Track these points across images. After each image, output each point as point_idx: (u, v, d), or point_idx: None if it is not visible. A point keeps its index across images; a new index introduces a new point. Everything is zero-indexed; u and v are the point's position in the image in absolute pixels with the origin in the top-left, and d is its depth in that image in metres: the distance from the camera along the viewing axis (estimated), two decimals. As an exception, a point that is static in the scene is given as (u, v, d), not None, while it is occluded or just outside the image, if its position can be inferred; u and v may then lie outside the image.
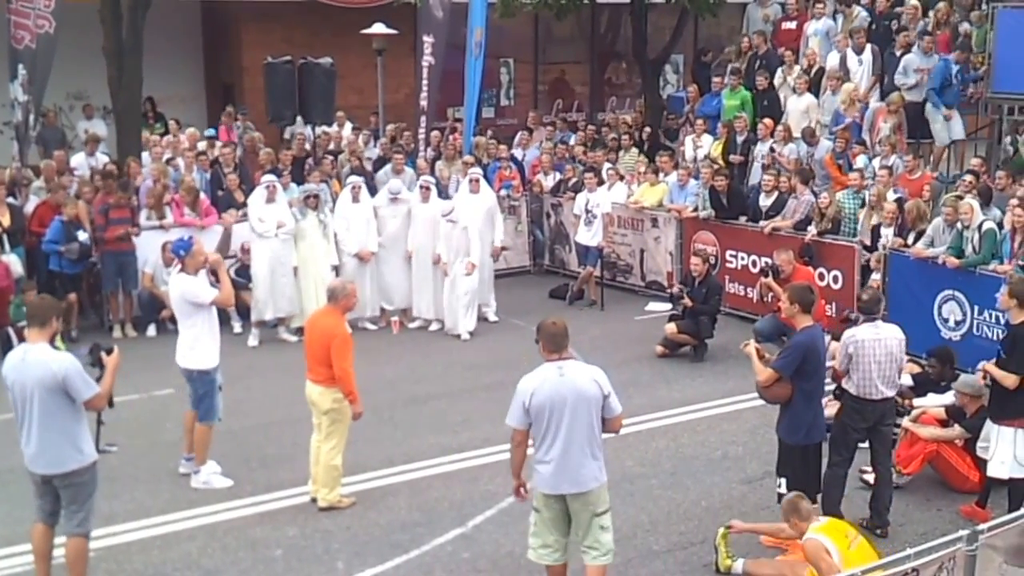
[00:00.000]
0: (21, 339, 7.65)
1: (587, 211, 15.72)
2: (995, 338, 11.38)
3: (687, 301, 13.33)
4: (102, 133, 18.61)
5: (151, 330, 14.28)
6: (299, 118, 18.32)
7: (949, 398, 10.00)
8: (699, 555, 8.38)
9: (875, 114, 16.15)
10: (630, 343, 13.90)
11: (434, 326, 14.65)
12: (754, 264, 14.63)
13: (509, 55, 25.11)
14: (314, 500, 9.27)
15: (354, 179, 14.80)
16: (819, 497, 8.42)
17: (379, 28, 18.26)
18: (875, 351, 8.46)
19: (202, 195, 15.08)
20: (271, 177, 14.20)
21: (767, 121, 16.42)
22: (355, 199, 14.44)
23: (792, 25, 18.60)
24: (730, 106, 17.37)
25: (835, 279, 13.70)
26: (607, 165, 17.01)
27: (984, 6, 17.61)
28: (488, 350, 13.76)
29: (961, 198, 12.63)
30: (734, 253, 15.08)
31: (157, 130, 19.36)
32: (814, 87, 16.99)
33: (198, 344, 9.41)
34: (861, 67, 16.93)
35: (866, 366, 8.46)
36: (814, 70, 17.26)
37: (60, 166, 15.56)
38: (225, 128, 18.80)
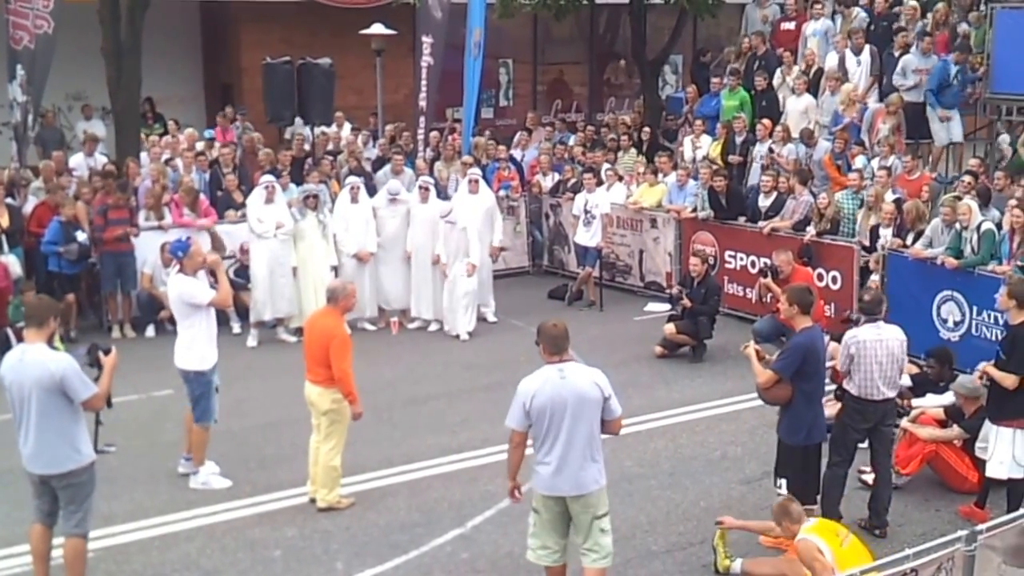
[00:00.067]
0: (20, 340, 7.65)
1: (586, 212, 15.72)
2: (994, 339, 11.39)
3: (686, 302, 13.34)
4: (101, 134, 18.63)
5: (150, 331, 14.28)
6: (298, 118, 18.34)
7: (948, 399, 10.01)
8: (698, 555, 8.38)
9: (874, 115, 16.15)
10: (629, 343, 13.90)
11: (433, 327, 14.65)
12: (753, 265, 14.63)
13: (508, 56, 25.12)
14: (313, 500, 9.27)
15: (353, 180, 14.80)
16: (818, 497, 8.43)
17: (378, 28, 18.26)
18: (877, 352, 8.47)
19: (201, 196, 15.08)
20: (270, 178, 14.20)
21: (766, 122, 16.42)
22: (354, 200, 14.44)
23: (791, 26, 18.60)
24: (729, 107, 17.37)
25: (834, 280, 13.71)
26: (606, 166, 17.01)
27: (983, 7, 17.61)
28: (487, 351, 13.76)
29: (960, 199, 12.63)
30: (733, 254, 15.09)
31: (156, 130, 19.35)
32: (813, 88, 16.99)
33: (195, 345, 9.41)
34: (859, 68, 16.93)
35: (868, 367, 8.47)
36: (813, 71, 17.26)
37: (59, 167, 15.56)
38: (220, 129, 18.77)
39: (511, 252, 17.08)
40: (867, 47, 16.99)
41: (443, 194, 15.65)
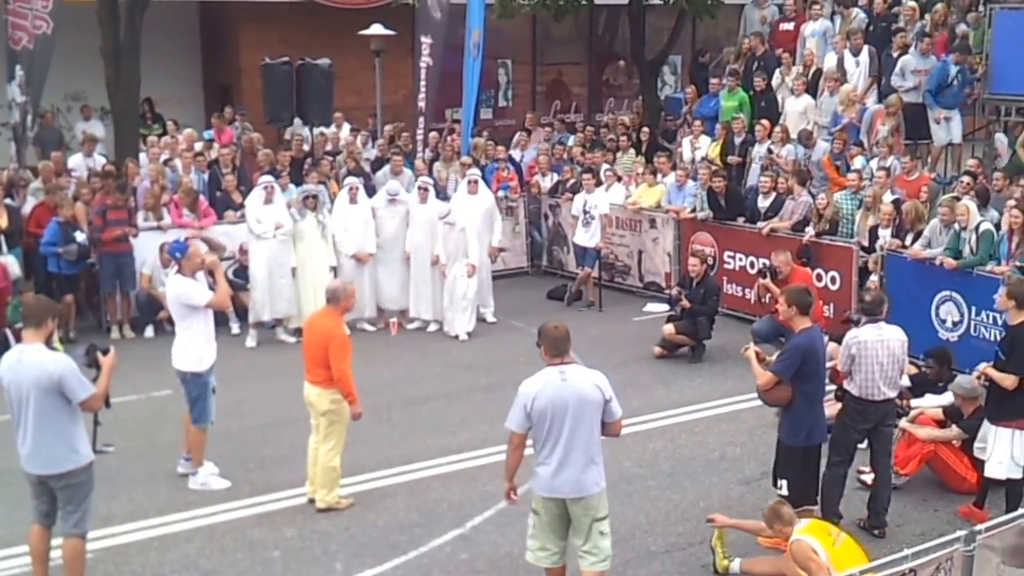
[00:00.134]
0: (19, 340, 7.65)
1: (585, 212, 15.72)
2: (992, 339, 11.39)
3: (685, 303, 13.34)
4: (100, 134, 18.62)
5: (149, 331, 14.27)
6: (297, 119, 18.34)
7: (947, 399, 10.01)
8: (697, 556, 8.38)
9: (874, 116, 16.14)
10: (628, 344, 13.90)
11: (432, 327, 14.65)
12: (752, 265, 14.63)
13: (507, 56, 25.13)
14: (311, 501, 9.27)
15: (351, 180, 14.79)
16: (818, 498, 8.44)
17: (377, 29, 18.27)
18: (878, 352, 8.47)
19: (201, 197, 15.07)
20: (268, 178, 14.19)
21: (764, 122, 16.43)
22: (352, 200, 14.43)
23: (790, 26, 18.60)
24: (728, 107, 17.38)
25: (833, 280, 13.71)
26: (605, 166, 17.01)
27: (981, 7, 17.62)
28: (486, 351, 13.77)
29: (959, 199, 12.63)
30: (732, 254, 15.09)
31: (155, 131, 19.35)
32: (812, 88, 17.00)
33: (193, 346, 9.41)
34: (858, 68, 16.94)
35: (869, 367, 8.47)
36: (811, 71, 17.27)
37: (58, 167, 15.55)
38: (216, 130, 18.73)
39: (510, 253, 17.08)
40: (865, 48, 17.00)
41: (442, 195, 15.65)
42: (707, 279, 13.61)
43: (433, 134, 18.52)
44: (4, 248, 13.52)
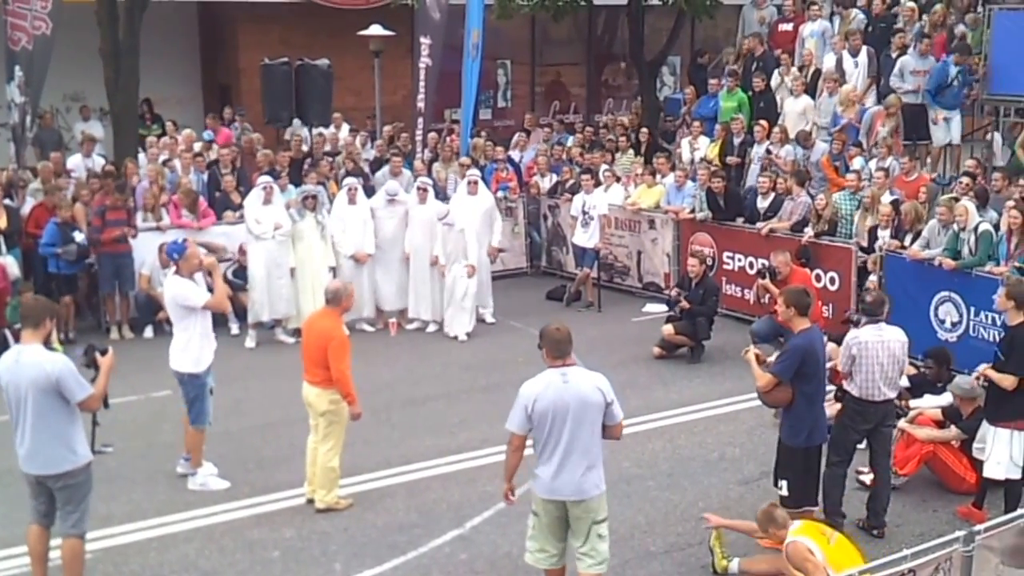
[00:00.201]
0: (18, 341, 7.65)
1: (584, 213, 15.73)
2: (991, 339, 11.40)
3: (684, 304, 13.34)
4: (99, 135, 18.62)
5: (148, 331, 14.27)
6: (296, 120, 18.34)
7: (945, 399, 10.02)
8: (696, 556, 8.38)
9: (873, 118, 16.13)
10: (627, 344, 13.90)
11: (431, 327, 14.65)
12: (751, 266, 14.64)
13: (506, 57, 25.13)
14: (310, 501, 9.27)
15: (350, 181, 14.79)
16: (818, 499, 8.44)
17: (376, 30, 18.28)
18: (878, 353, 8.48)
19: (200, 198, 15.07)
20: (267, 179, 14.20)
21: (763, 123, 16.43)
22: (351, 201, 14.42)
23: (788, 27, 18.62)
24: (727, 108, 17.39)
25: (832, 281, 13.72)
26: (604, 167, 17.02)
27: (980, 8, 17.63)
28: (485, 351, 13.77)
29: (957, 200, 12.64)
30: (731, 255, 15.10)
31: (154, 131, 19.35)
32: (810, 89, 17.01)
33: (190, 347, 9.40)
34: (857, 69, 16.95)
35: (869, 368, 8.48)
36: (810, 71, 17.28)
37: (57, 168, 15.55)
38: (210, 130, 18.70)
39: (509, 253, 17.08)
40: (864, 48, 17.01)
41: (441, 195, 15.65)
42: (706, 280, 13.62)
43: (432, 135, 18.54)
44: (3, 249, 13.53)
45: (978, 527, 5.90)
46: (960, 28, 17.23)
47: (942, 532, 7.53)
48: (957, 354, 11.20)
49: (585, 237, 15.76)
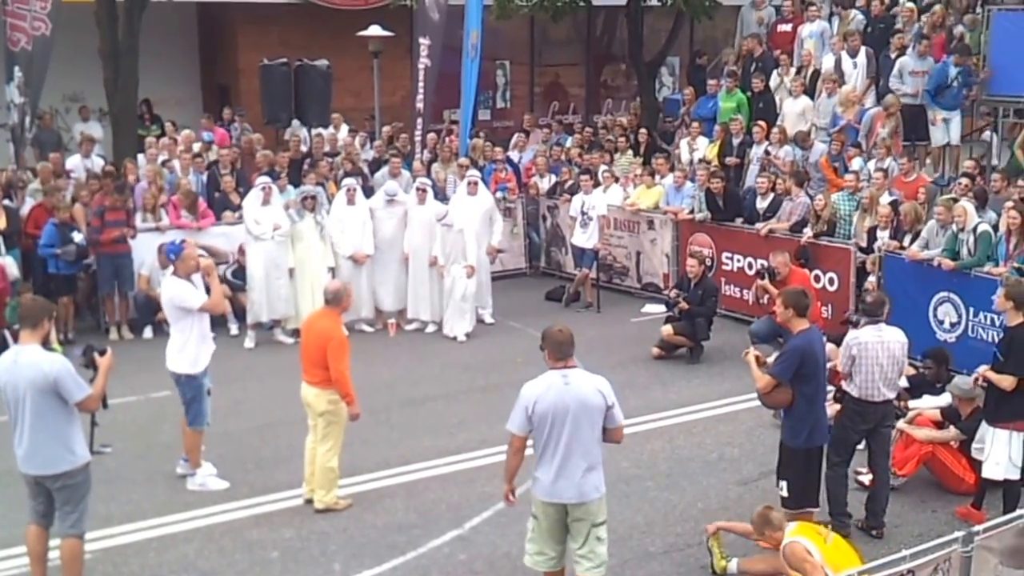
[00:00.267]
0: (17, 342, 7.65)
1: (583, 213, 15.74)
2: (990, 340, 11.40)
3: (683, 305, 13.33)
4: (98, 135, 18.62)
5: (147, 332, 14.26)
6: (295, 120, 18.34)
7: (944, 400, 10.03)
8: (695, 557, 8.39)
9: (873, 119, 16.12)
10: (626, 345, 13.90)
11: (430, 328, 14.65)
12: (750, 266, 14.65)
13: (505, 57, 25.14)
14: (308, 501, 9.27)
15: (349, 181, 14.79)
16: (821, 500, 8.44)
17: (375, 30, 18.28)
18: (878, 354, 8.49)
19: (200, 199, 15.07)
20: (266, 179, 14.20)
21: (762, 123, 16.44)
22: (350, 202, 14.42)
23: (787, 28, 18.64)
24: (726, 108, 17.39)
25: (831, 281, 13.72)
26: (603, 167, 17.02)
27: (979, 9, 17.63)
28: (484, 352, 13.77)
29: (956, 200, 12.65)
30: (730, 255, 15.10)
31: (153, 132, 19.35)
32: (809, 90, 17.02)
33: (187, 348, 9.40)
34: (856, 70, 16.96)
35: (869, 368, 8.49)
36: (809, 72, 17.29)
37: (56, 168, 15.56)
38: (205, 130, 18.70)
39: (508, 254, 17.08)
40: (863, 49, 17.02)
41: (441, 196, 15.66)
42: (705, 280, 13.62)
43: (431, 135, 18.56)
44: (3, 249, 13.52)
45: (977, 528, 5.91)
46: (959, 29, 17.24)
47: (941, 532, 7.55)
48: (956, 355, 11.21)
49: (584, 238, 15.77)
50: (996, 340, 10.18)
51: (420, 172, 16.28)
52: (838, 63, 17.10)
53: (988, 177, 14.41)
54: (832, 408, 9.09)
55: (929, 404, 10.21)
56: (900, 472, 9.50)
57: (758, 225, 14.59)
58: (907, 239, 12.96)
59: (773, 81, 17.53)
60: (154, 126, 20.03)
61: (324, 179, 15.67)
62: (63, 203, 14.10)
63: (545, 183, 17.89)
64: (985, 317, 11.92)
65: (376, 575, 8.23)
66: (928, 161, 16.56)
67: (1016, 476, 8.63)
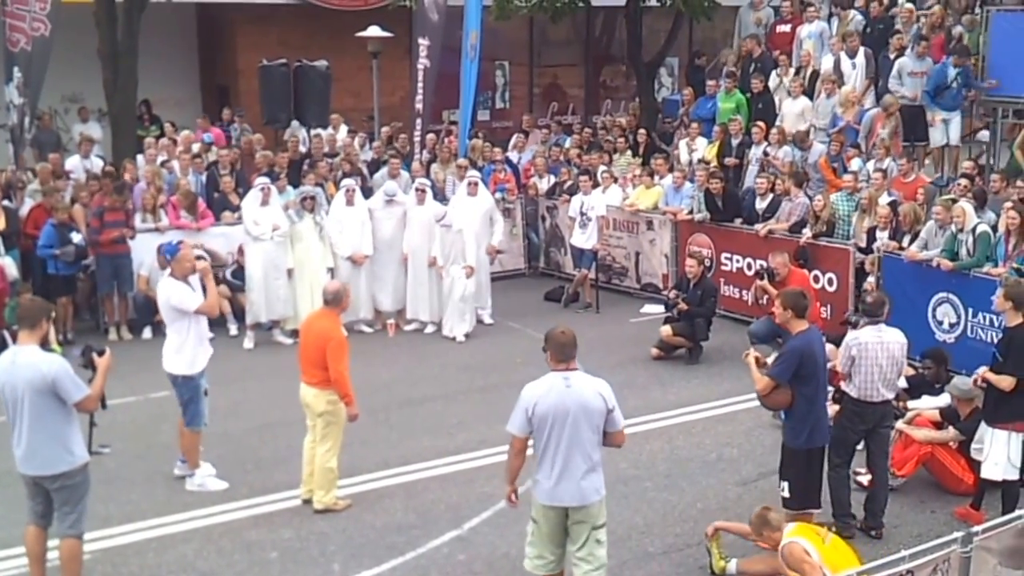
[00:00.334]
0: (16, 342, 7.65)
1: (582, 214, 15.75)
2: (989, 340, 11.41)
3: (682, 306, 13.33)
4: (97, 136, 18.62)
5: (147, 332, 14.25)
6: (295, 121, 18.33)
7: (943, 400, 10.03)
8: (695, 557, 8.39)
9: (873, 120, 16.12)
10: (625, 345, 13.90)
11: (429, 328, 14.65)
12: (749, 267, 14.65)
13: (504, 58, 25.15)
14: (306, 502, 9.27)
15: (348, 182, 14.79)
16: (823, 501, 8.45)
17: (374, 31, 18.28)
18: (878, 354, 8.49)
19: (199, 199, 15.06)
20: (265, 180, 14.20)
21: (761, 124, 16.45)
22: (349, 202, 14.41)
23: (786, 28, 18.64)
24: (725, 109, 17.40)
25: (830, 282, 13.72)
26: (602, 168, 17.03)
27: (978, 9, 17.64)
28: (484, 352, 13.77)
29: (955, 201, 12.65)
30: (729, 256, 15.10)
31: (153, 132, 19.35)
32: (808, 90, 17.02)
33: (184, 349, 9.39)
34: (855, 71, 16.96)
35: (868, 369, 8.49)
36: (808, 73, 17.29)
37: (55, 169, 15.55)
38: (201, 130, 18.69)
39: (507, 254, 17.08)
40: (862, 49, 17.02)
41: (440, 196, 15.66)
42: (704, 281, 13.62)
43: (430, 136, 18.56)
44: (2, 250, 13.53)
45: (976, 528, 5.92)
46: (958, 29, 17.25)
47: (940, 533, 7.55)
48: (955, 355, 11.22)
49: (583, 238, 15.78)
50: (995, 341, 10.18)
51: (419, 173, 16.29)
52: (837, 64, 17.11)
53: (987, 178, 14.40)
54: (831, 409, 9.09)
55: (928, 404, 10.22)
56: (899, 473, 9.50)
57: (757, 226, 14.59)
58: (906, 240, 12.97)
59: (772, 82, 17.54)
60: (153, 127, 20.03)
61: (323, 180, 15.66)
62: (62, 204, 14.10)
63: (544, 184, 17.90)
64: (984, 318, 11.92)
65: (375, 575, 8.23)
66: (928, 162, 16.58)
67: (1015, 477, 8.64)
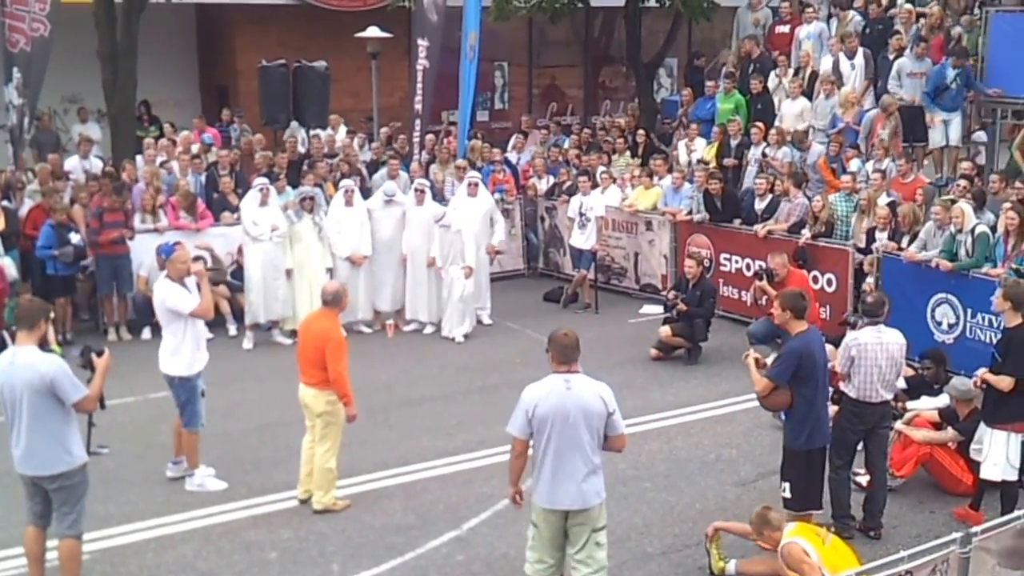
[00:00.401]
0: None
1: (581, 214, 15.76)
2: (988, 341, 11.41)
3: (682, 306, 13.33)
4: (96, 136, 18.61)
5: (146, 333, 14.23)
6: (294, 121, 18.32)
7: (942, 401, 10.03)
8: (694, 558, 8.39)
9: (873, 121, 16.12)
10: (624, 346, 13.90)
11: (428, 329, 14.65)
12: (748, 267, 14.65)
13: (503, 59, 25.16)
14: (302, 501, 9.27)
15: (347, 183, 14.79)
16: (824, 501, 8.45)
17: (373, 32, 18.28)
18: (877, 355, 8.49)
19: (198, 199, 15.06)
20: (263, 180, 14.20)
21: (760, 125, 16.45)
22: (348, 203, 14.41)
23: (785, 29, 18.64)
24: (724, 110, 17.40)
25: (829, 282, 13.73)
26: (601, 168, 17.03)
27: (977, 10, 17.65)
28: (483, 353, 13.77)
29: (954, 201, 12.66)
30: (728, 256, 15.11)
31: (152, 133, 19.34)
32: (808, 91, 17.02)
33: (181, 350, 9.38)
34: (854, 71, 16.97)
35: (868, 370, 8.49)
36: (807, 73, 17.30)
37: (55, 169, 15.55)
38: (198, 131, 18.67)
39: (507, 255, 17.07)
40: (861, 50, 17.02)
41: (439, 197, 15.66)
42: (703, 281, 13.62)
43: (429, 136, 18.56)
44: (1, 250, 13.53)
45: (975, 529, 5.92)
46: (957, 30, 17.26)
47: (939, 534, 7.55)
48: (954, 356, 11.23)
49: (582, 239, 15.78)
50: (994, 341, 10.18)
51: (418, 173, 16.29)
52: (836, 64, 17.11)
53: (986, 178, 14.40)
54: (831, 410, 9.09)
55: (927, 405, 10.22)
56: (898, 473, 9.51)
57: (756, 226, 14.59)
58: (905, 240, 12.98)
59: (771, 82, 17.54)
60: (152, 127, 20.02)
61: (322, 180, 15.66)
62: (61, 204, 14.10)
63: (543, 184, 17.90)
64: (983, 318, 11.93)
65: (374, 575, 8.26)
66: (927, 162, 16.58)
67: (1014, 477, 8.65)
